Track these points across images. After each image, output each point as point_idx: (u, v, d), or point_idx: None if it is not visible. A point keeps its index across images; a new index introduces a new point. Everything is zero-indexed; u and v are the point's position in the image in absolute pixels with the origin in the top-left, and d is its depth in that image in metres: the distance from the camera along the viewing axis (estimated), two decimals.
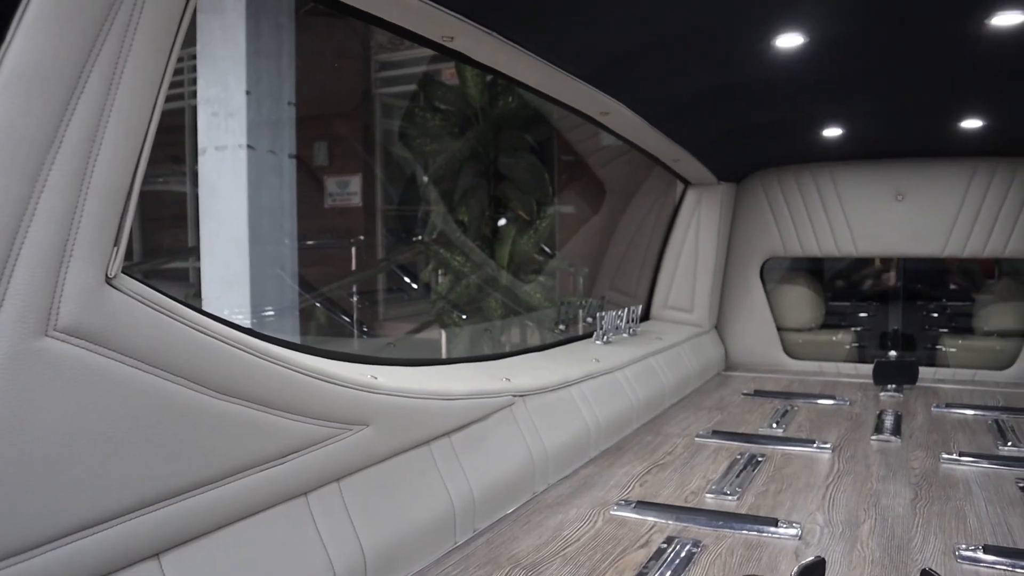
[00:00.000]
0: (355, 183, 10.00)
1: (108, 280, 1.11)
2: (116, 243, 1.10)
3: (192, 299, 6.20)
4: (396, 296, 9.21)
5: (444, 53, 2.16)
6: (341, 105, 10.00)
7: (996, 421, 3.21)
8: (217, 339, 1.32)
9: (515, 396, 2.40)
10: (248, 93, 6.23)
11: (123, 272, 1.15)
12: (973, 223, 4.17)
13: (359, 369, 1.83)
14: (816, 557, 1.33)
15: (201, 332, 1.28)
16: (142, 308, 1.17)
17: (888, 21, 2.36)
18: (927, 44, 2.57)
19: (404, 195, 9.73)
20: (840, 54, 2.67)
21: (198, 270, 6.45)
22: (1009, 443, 2.87)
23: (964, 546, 1.90)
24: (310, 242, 8.80)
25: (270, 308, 6.17)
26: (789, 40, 2.47)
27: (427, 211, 8.81)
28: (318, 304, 7.58)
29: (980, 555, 1.86)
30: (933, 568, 1.24)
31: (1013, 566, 1.81)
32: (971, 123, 3.60)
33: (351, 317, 8.17)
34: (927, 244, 4.28)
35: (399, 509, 1.79)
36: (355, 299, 8.44)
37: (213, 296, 6.18)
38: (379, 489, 1.76)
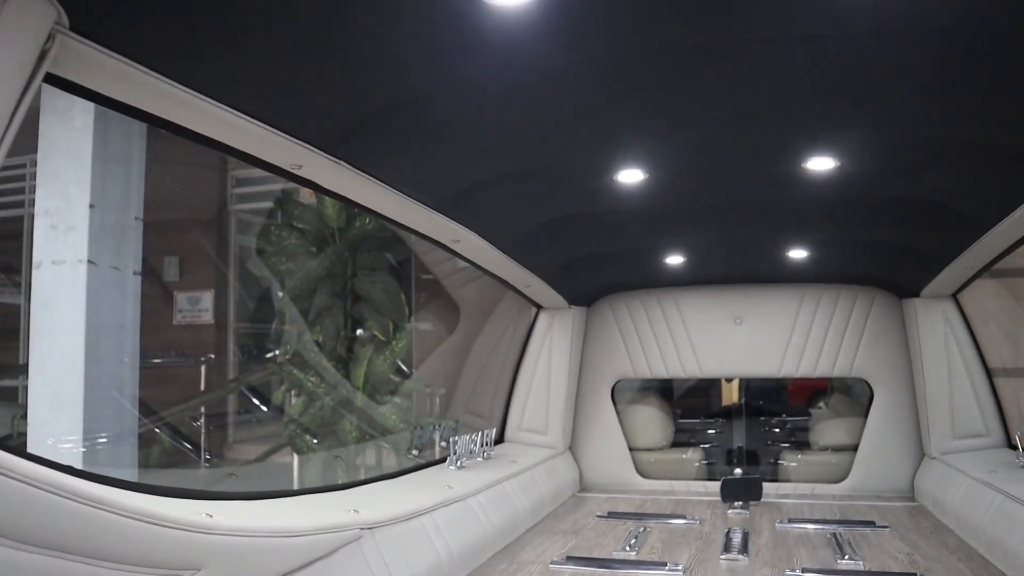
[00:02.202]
0: (207, 299, 9.66)
1: None
2: None
3: (18, 421, 5.72)
4: (246, 419, 8.81)
5: (293, 180, 2.16)
6: (195, 218, 9.75)
7: (834, 535, 3.34)
8: (17, 480, 1.20)
9: (363, 529, 2.30)
10: (92, 206, 5.98)
11: None
12: (804, 345, 4.45)
13: (193, 507, 1.71)
14: None
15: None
16: None
17: (716, 163, 2.55)
18: (753, 183, 2.78)
19: (258, 313, 9.47)
20: (678, 190, 2.85)
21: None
22: (846, 556, 2.99)
23: None
24: (156, 360, 8.36)
25: (104, 434, 5.75)
26: (630, 176, 2.62)
27: (281, 330, 8.59)
28: (159, 429, 7.14)
29: None
30: None
31: None
32: (797, 253, 3.89)
33: (195, 443, 7.73)
34: (764, 365, 4.53)
35: None
36: (201, 422, 8.01)
37: (41, 420, 5.70)
38: None
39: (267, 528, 1.87)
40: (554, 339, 4.50)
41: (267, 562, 1.84)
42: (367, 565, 2.25)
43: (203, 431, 7.95)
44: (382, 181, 2.24)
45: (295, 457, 7.33)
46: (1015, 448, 3.61)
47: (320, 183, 2.22)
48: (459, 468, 3.48)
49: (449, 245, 3.10)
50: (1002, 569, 2.81)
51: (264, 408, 8.45)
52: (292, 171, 2.09)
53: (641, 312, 4.68)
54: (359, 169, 2.12)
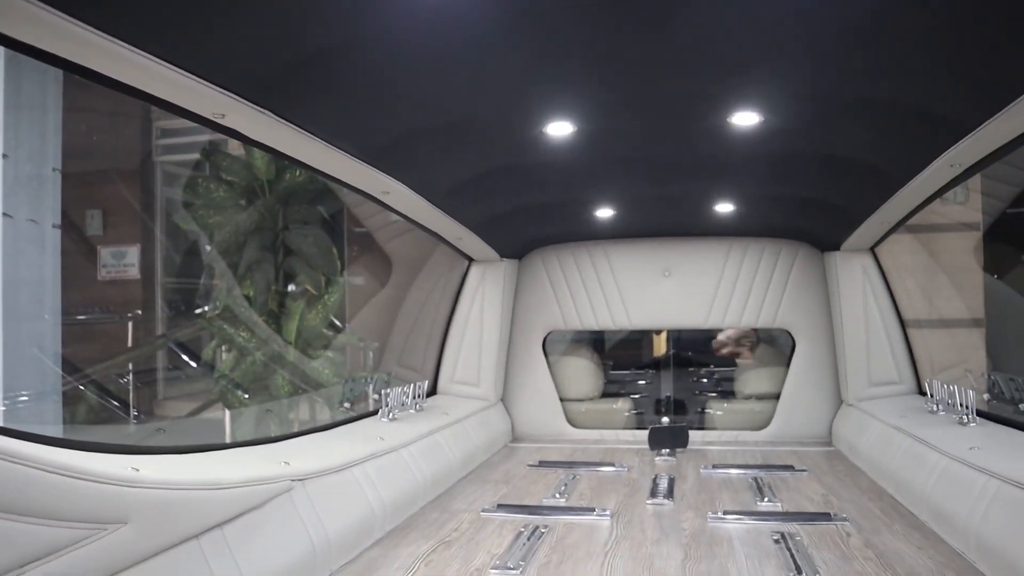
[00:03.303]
0: (133, 254, 9.38)
1: None
2: None
3: None
4: (176, 375, 8.66)
5: (217, 130, 2.12)
6: (118, 170, 9.41)
7: (755, 479, 3.48)
8: None
9: (294, 480, 2.31)
10: (4, 156, 5.74)
11: None
12: (730, 296, 4.57)
13: (119, 461, 1.70)
14: None
15: None
16: None
17: (643, 116, 2.58)
18: (680, 137, 2.82)
19: (186, 267, 9.26)
20: (605, 143, 2.88)
21: None
22: (766, 499, 3.12)
23: None
24: (80, 317, 8.14)
25: (26, 393, 5.60)
26: (559, 129, 2.63)
27: (211, 285, 8.42)
28: (84, 387, 6.97)
29: None
30: None
31: None
32: (724, 207, 3.97)
33: (123, 400, 7.57)
34: (692, 316, 4.64)
35: None
36: (129, 379, 7.84)
37: None
38: None
39: (195, 481, 1.87)
40: (486, 292, 4.53)
41: (195, 514, 1.84)
42: (298, 516, 2.26)
43: (131, 388, 7.79)
44: (308, 131, 2.21)
45: (227, 413, 7.25)
46: (925, 394, 3.79)
47: (244, 133, 2.18)
48: (391, 420, 3.50)
49: (379, 197, 3.08)
50: (908, 507, 2.97)
51: (194, 364, 8.31)
52: (215, 120, 2.04)
53: (572, 265, 4.73)
54: (284, 119, 2.08)
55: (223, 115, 2.01)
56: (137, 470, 1.67)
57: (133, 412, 7.64)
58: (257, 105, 1.97)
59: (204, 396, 7.56)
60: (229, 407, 7.18)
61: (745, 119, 2.55)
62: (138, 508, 1.63)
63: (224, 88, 1.84)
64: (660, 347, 5.62)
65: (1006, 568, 2.14)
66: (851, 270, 4.23)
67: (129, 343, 8.85)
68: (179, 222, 8.73)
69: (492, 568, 2.33)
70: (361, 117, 2.27)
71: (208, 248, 8.20)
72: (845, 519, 2.83)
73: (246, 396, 7.01)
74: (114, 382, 7.56)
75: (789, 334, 4.60)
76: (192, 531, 1.82)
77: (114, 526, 1.56)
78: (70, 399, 6.66)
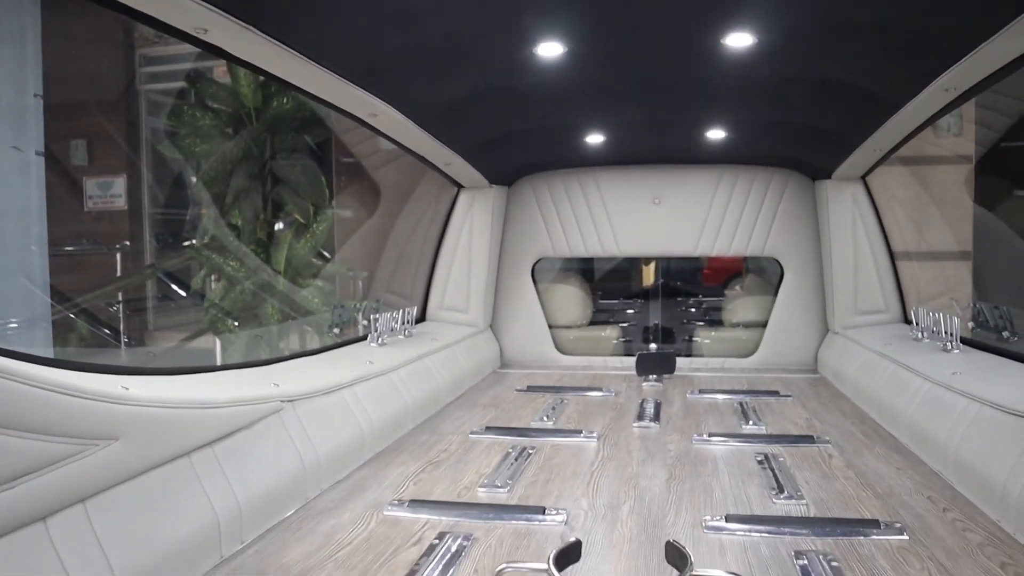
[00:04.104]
0: (119, 184, 9.29)
1: None
2: None
3: None
4: (166, 305, 8.65)
5: (199, 47, 2.07)
6: (101, 100, 9.24)
7: (741, 404, 3.53)
8: None
9: (284, 401, 2.33)
10: None
11: None
12: (720, 225, 4.57)
13: (108, 380, 1.70)
14: (573, 540, 1.40)
15: None
16: None
17: (635, 37, 2.53)
18: (672, 59, 2.78)
19: (173, 198, 9.17)
20: (595, 65, 2.83)
21: None
22: (751, 422, 3.17)
23: (709, 517, 2.08)
24: (68, 248, 8.10)
25: (15, 320, 5.59)
26: (549, 49, 2.59)
27: (198, 214, 8.36)
28: (75, 316, 6.96)
29: (723, 524, 2.04)
30: (677, 540, 1.35)
31: (749, 531, 2.00)
32: (715, 133, 3.94)
33: (114, 328, 7.59)
34: (681, 244, 4.64)
35: (156, 527, 1.69)
36: (119, 309, 7.84)
37: None
38: (132, 507, 1.65)
39: (184, 399, 1.88)
40: (475, 218, 4.51)
41: (186, 432, 1.85)
42: (288, 436, 2.29)
43: (121, 317, 7.80)
44: (293, 49, 2.17)
45: (217, 341, 7.28)
46: (911, 323, 3.83)
47: (228, 50, 2.13)
48: (380, 345, 3.52)
49: (366, 120, 3.04)
50: (890, 431, 3.03)
51: (183, 294, 8.31)
52: (197, 36, 1.99)
53: (561, 192, 4.70)
54: (268, 35, 2.04)
55: (205, 30, 1.97)
56: (127, 388, 1.68)
57: (124, 339, 7.66)
58: (240, 19, 1.92)
59: (194, 326, 7.57)
60: (219, 336, 7.20)
61: (739, 40, 2.51)
62: (128, 425, 1.64)
63: (206, 1, 1.80)
64: (649, 277, 5.64)
65: (981, 486, 2.19)
66: (841, 199, 4.23)
67: (118, 274, 8.82)
68: (164, 151, 8.62)
69: (480, 487, 2.37)
70: (347, 34, 2.22)
71: (194, 179, 8.11)
72: (827, 441, 2.88)
73: (236, 324, 7.02)
74: (104, 312, 7.56)
75: (778, 262, 4.62)
76: (183, 449, 1.84)
77: (105, 442, 1.57)
78: (61, 328, 6.67)
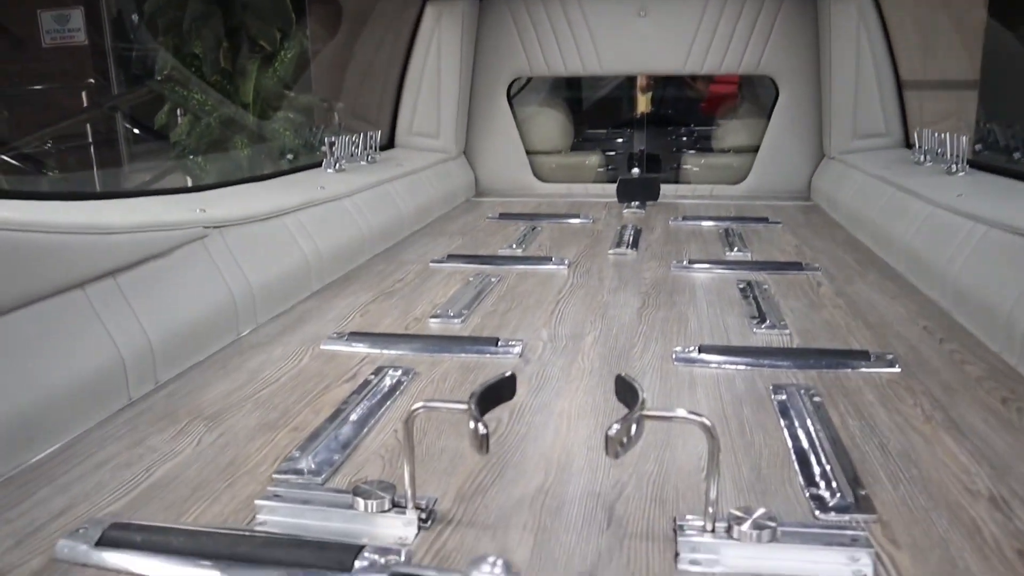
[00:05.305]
0: (76, 17, 8.71)
1: None
2: None
3: None
4: (128, 142, 8.24)
5: None
6: None
7: (726, 230, 3.29)
8: None
9: (209, 228, 2.07)
10: None
11: None
12: (711, 39, 4.17)
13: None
14: (507, 374, 1.18)
15: None
16: None
17: None
18: None
19: (134, 31, 8.60)
20: None
21: None
22: (735, 249, 2.94)
23: (681, 349, 1.87)
24: (36, 88, 7.71)
25: None
26: None
27: (155, 45, 7.82)
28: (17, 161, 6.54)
29: (695, 355, 1.83)
30: (630, 374, 1.12)
31: (724, 363, 1.79)
32: None
33: (61, 171, 7.19)
34: (669, 61, 4.26)
35: (41, 371, 1.46)
36: (50, 147, 7.41)
37: None
38: (10, 348, 1.41)
39: (76, 224, 1.61)
40: (443, 35, 4.10)
41: (79, 261, 1.60)
42: (215, 266, 2.04)
43: (66, 159, 7.41)
44: None
45: (188, 180, 6.97)
46: (912, 147, 3.55)
47: None
48: (338, 171, 3.23)
49: None
50: (885, 258, 2.81)
51: (147, 132, 7.89)
52: None
53: (538, 4, 4.26)
54: None
55: None
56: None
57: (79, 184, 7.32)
58: None
59: (153, 168, 7.23)
60: (188, 174, 6.88)
61: None
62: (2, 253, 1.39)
63: None
64: (642, 106, 5.27)
65: (983, 315, 1.98)
66: (846, 11, 3.82)
67: (71, 112, 8.37)
68: None
69: (432, 318, 2.15)
70: None
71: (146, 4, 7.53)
72: (817, 268, 2.66)
73: (201, 161, 6.69)
74: (50, 154, 7.16)
75: (772, 82, 4.25)
76: (74, 279, 1.59)
77: None
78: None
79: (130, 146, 8.19)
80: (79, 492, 1.27)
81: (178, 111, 7.22)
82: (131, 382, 1.66)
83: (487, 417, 1.06)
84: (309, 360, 1.86)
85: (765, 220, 3.53)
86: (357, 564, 1.02)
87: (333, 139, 3.26)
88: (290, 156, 3.44)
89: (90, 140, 8.08)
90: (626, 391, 1.10)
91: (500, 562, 0.68)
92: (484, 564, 0.68)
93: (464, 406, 1.06)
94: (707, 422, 1.02)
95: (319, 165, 3.26)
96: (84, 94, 8.60)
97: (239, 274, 2.11)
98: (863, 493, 1.22)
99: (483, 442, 1.02)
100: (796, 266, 2.70)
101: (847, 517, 1.16)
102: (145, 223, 1.84)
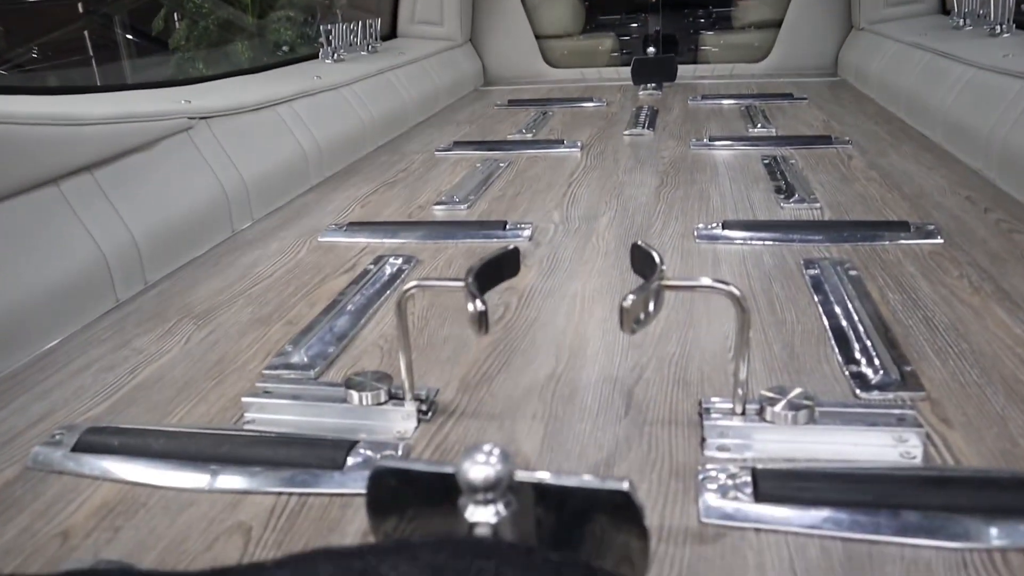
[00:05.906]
0: None
1: None
2: None
3: None
4: (127, 50, 7.99)
5: None
6: None
7: (748, 107, 3.11)
8: None
9: (195, 118, 1.93)
10: None
11: None
12: None
13: None
14: (509, 248, 1.06)
15: None
16: None
17: None
18: None
19: None
20: None
21: None
22: (759, 125, 2.77)
23: (703, 226, 1.74)
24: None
25: None
26: None
27: None
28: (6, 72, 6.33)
29: (718, 231, 1.70)
30: (647, 241, 1.00)
31: (750, 239, 1.66)
32: None
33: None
34: None
35: (13, 274, 1.35)
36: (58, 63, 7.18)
37: None
38: None
39: (46, 115, 1.49)
40: None
41: (50, 155, 1.48)
42: (202, 159, 1.91)
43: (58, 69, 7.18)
44: None
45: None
46: (949, 13, 3.30)
47: None
48: (336, 61, 3.06)
49: None
50: (920, 129, 2.63)
51: (145, 38, 7.63)
52: None
53: None
54: None
55: None
56: None
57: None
58: None
59: (159, 75, 7.00)
60: (188, 82, 6.67)
61: None
62: None
63: None
64: None
65: None
66: None
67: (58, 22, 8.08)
68: None
69: (436, 205, 2.02)
70: None
71: None
72: (848, 142, 2.49)
73: (201, 67, 6.47)
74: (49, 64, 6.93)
75: None
76: (46, 175, 1.47)
77: None
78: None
79: (130, 55, 7.95)
80: (59, 398, 1.18)
81: (175, 15, 6.97)
82: (117, 283, 1.56)
83: (493, 303, 0.95)
84: (306, 253, 1.75)
85: (790, 96, 3.34)
86: (350, 461, 0.93)
87: (330, 28, 3.07)
88: (285, 48, 3.26)
89: (91, 53, 7.84)
90: (643, 261, 0.98)
91: (497, 450, 0.57)
92: (479, 453, 0.57)
93: (460, 283, 0.95)
94: (735, 291, 0.89)
95: (316, 57, 3.09)
96: (79, 3, 8.32)
97: (230, 167, 1.98)
98: (909, 369, 1.10)
99: (481, 320, 0.91)
100: (825, 140, 2.53)
101: (892, 395, 1.05)
102: (123, 114, 1.71)
